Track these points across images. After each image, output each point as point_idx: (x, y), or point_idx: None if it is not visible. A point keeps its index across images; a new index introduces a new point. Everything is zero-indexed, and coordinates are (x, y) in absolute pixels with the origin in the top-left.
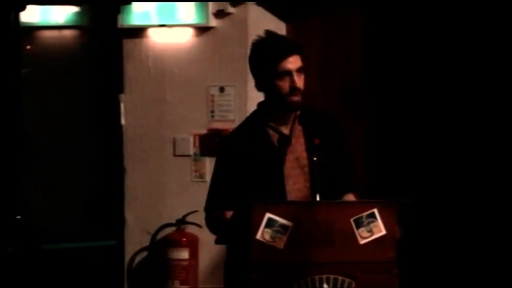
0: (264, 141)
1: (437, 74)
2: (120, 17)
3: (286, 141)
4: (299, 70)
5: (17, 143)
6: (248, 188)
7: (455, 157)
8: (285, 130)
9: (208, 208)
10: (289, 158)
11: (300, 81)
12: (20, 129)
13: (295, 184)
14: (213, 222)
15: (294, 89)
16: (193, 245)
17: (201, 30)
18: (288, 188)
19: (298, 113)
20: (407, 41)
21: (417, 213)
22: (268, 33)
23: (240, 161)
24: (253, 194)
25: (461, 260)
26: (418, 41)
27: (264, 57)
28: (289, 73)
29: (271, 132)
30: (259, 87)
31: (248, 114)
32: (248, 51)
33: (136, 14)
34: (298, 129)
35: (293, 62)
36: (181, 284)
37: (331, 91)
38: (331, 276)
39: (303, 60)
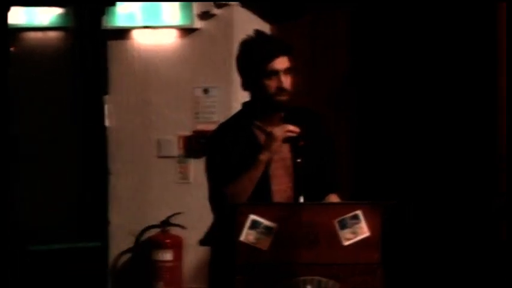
0: (251, 141)
1: (423, 75)
2: (104, 18)
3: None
4: (286, 71)
5: (4, 144)
6: None
7: (442, 156)
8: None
9: (219, 196)
10: (275, 158)
11: (287, 81)
12: (7, 130)
13: (280, 185)
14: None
15: (280, 89)
16: (177, 246)
17: (186, 31)
18: (273, 188)
19: (283, 112)
20: (394, 41)
21: (408, 213)
22: (257, 33)
23: (227, 159)
24: None
25: (443, 259)
26: (403, 41)
27: (253, 57)
28: (276, 73)
29: (257, 132)
30: (245, 86)
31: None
32: (233, 53)
33: (121, 16)
34: None
35: (281, 63)
36: (166, 285)
37: (317, 92)
38: (316, 278)
39: (291, 61)
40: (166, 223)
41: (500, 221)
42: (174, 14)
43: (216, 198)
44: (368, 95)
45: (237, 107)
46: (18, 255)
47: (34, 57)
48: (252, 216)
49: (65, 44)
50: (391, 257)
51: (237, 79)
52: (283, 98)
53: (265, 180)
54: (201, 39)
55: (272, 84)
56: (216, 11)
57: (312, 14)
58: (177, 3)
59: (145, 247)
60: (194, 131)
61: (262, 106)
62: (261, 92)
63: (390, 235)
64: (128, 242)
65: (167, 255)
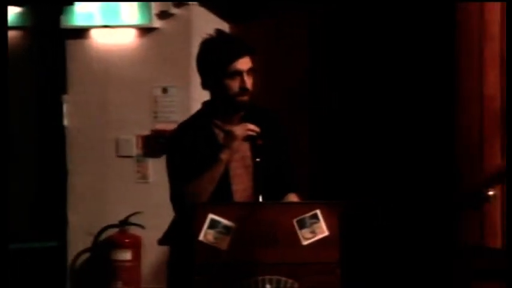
0: (211, 141)
1: (384, 74)
2: (63, 17)
3: None
4: (249, 71)
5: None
6: None
7: (401, 157)
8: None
9: (180, 196)
10: (235, 157)
11: (249, 82)
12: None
13: (241, 184)
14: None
15: (243, 89)
16: (136, 246)
17: (145, 31)
18: (234, 187)
19: (243, 112)
20: (353, 44)
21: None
22: (219, 32)
23: (187, 158)
24: None
25: (406, 260)
26: (362, 44)
27: (215, 57)
28: (239, 73)
29: (217, 131)
30: (205, 86)
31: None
32: (192, 52)
33: (79, 15)
34: None
35: (244, 63)
36: (124, 285)
37: (281, 92)
38: (275, 277)
39: (253, 61)
40: (125, 223)
41: (455, 218)
42: (132, 13)
43: (177, 197)
44: (325, 95)
45: (195, 106)
46: None
47: None
48: (211, 216)
49: (23, 43)
50: (355, 256)
51: (195, 78)
52: (245, 98)
53: (225, 180)
54: (159, 39)
55: (235, 84)
56: (174, 10)
57: (276, 14)
58: (135, 3)
59: (103, 247)
60: (153, 131)
61: (223, 105)
62: (222, 92)
63: (357, 234)
64: (87, 242)
65: (126, 255)
